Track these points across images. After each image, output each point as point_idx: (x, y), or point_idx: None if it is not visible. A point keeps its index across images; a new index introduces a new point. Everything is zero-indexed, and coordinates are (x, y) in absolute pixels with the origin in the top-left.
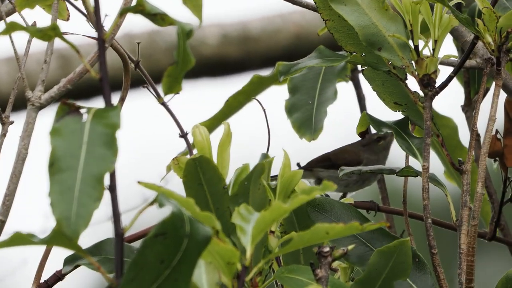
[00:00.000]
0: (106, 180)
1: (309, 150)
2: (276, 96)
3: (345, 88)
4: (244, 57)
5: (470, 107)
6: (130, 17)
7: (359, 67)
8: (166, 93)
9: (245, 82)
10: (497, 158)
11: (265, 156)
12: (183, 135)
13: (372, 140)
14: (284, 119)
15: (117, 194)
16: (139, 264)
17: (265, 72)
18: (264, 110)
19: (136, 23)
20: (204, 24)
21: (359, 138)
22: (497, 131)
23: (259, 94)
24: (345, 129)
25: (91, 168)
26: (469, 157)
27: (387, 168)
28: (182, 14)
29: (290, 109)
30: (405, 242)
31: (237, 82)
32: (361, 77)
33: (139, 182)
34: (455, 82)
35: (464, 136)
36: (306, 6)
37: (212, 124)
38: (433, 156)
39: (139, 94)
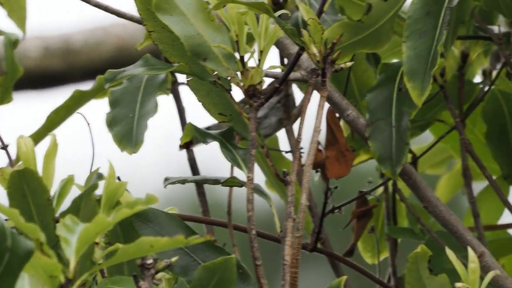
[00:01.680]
0: None
1: (133, 161)
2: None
3: (165, 101)
4: (66, 69)
5: (289, 120)
6: None
7: (179, 80)
8: None
9: (68, 94)
10: (319, 169)
11: (99, 176)
12: (4, 146)
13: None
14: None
15: None
16: None
17: (88, 85)
18: (88, 124)
19: None
20: (26, 36)
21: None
22: (318, 142)
23: (81, 107)
24: (166, 141)
25: None
26: (294, 168)
27: (212, 178)
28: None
29: (111, 123)
30: (230, 259)
31: (60, 95)
32: (181, 89)
33: None
34: None
35: (285, 147)
36: (130, 19)
37: (33, 139)
38: (258, 166)
39: None
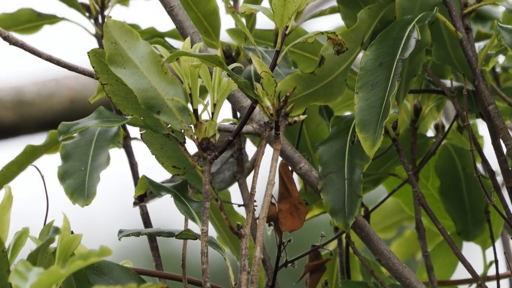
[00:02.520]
0: None
1: (89, 214)
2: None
3: (118, 155)
4: (18, 121)
5: (242, 174)
6: None
7: (132, 135)
8: None
9: (20, 147)
10: (272, 223)
11: (55, 229)
12: None
13: None
14: None
15: None
16: None
17: (41, 137)
18: (42, 177)
19: None
20: None
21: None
22: (272, 196)
23: (33, 162)
24: (122, 194)
25: None
26: (248, 221)
27: (166, 230)
28: None
29: (63, 176)
30: None
31: (12, 147)
32: (133, 144)
33: None
34: None
35: (237, 201)
36: (83, 72)
37: None
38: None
39: None
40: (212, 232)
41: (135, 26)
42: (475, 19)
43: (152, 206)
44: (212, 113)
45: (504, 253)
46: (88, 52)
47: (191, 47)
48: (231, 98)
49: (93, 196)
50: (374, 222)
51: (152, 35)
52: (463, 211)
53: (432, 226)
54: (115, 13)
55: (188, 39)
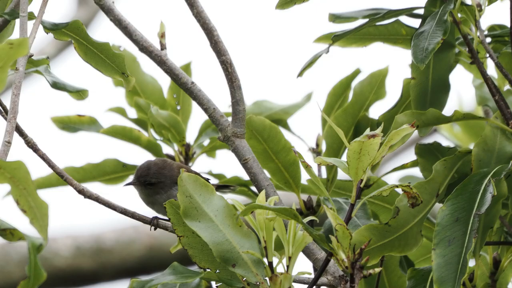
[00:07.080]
0: None
1: None
2: None
3: None
4: (98, 268)
5: None
6: None
7: (213, 284)
8: None
9: None
10: None
11: None
12: None
13: None
14: None
15: None
16: None
17: (120, 284)
18: None
19: None
20: (57, 236)
21: None
22: None
23: None
24: None
25: None
26: None
27: None
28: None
29: None
30: None
31: None
32: None
33: None
34: None
35: None
36: (156, 226)
37: None
38: None
39: None
40: None
41: (220, 176)
42: None
43: None
44: (287, 266)
45: None
46: (164, 204)
47: (266, 200)
48: (305, 250)
49: None
50: None
51: (237, 184)
52: None
53: None
54: (200, 163)
55: (263, 192)
